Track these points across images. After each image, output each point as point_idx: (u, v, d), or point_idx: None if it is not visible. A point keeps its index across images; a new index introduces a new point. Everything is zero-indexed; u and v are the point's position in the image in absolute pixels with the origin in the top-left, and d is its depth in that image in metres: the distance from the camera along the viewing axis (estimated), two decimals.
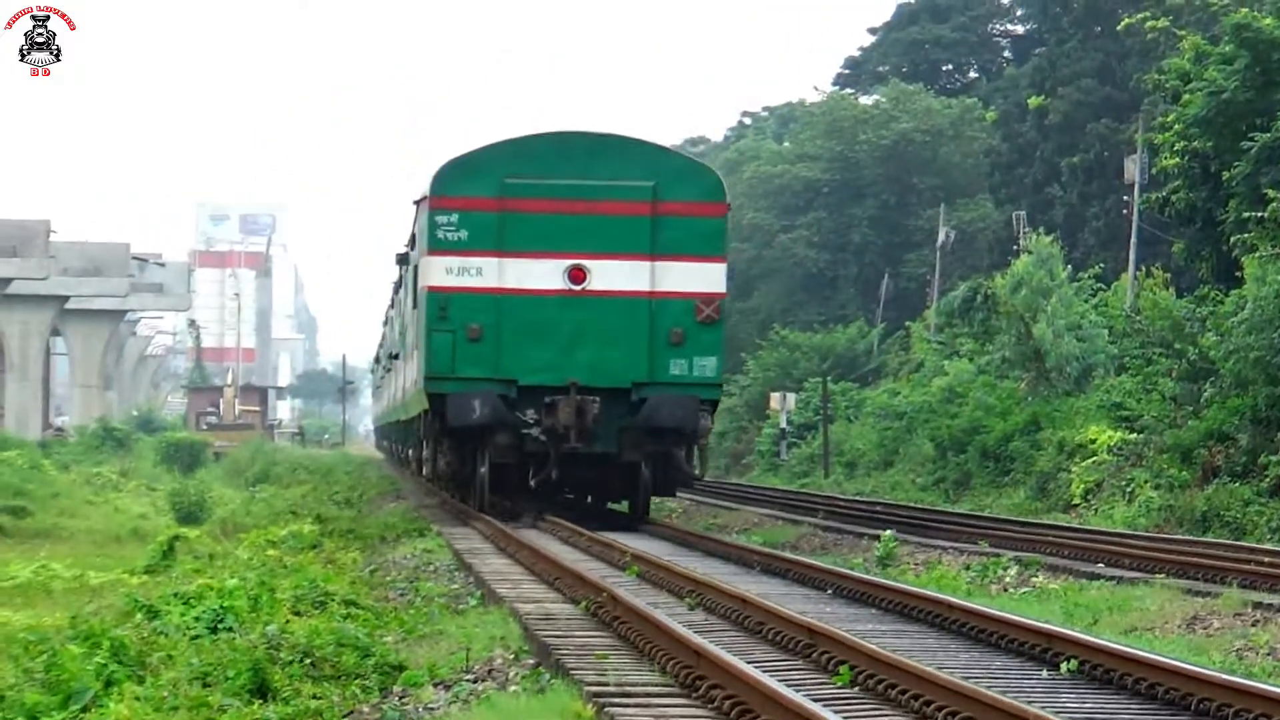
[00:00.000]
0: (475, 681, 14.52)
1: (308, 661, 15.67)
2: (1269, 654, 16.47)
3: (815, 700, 11.85)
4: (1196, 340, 37.96)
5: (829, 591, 20.46)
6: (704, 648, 13.39)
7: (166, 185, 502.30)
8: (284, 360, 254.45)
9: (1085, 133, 69.20)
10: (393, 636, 17.84)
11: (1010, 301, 52.55)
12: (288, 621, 18.28)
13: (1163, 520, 33.75)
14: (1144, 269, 52.88)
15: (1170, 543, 28.01)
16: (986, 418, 48.24)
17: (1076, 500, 39.72)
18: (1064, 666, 14.20)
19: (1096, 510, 37.92)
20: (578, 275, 32.05)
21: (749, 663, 13.12)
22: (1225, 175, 41.89)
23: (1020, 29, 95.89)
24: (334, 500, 45.74)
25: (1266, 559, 24.09)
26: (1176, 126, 45.28)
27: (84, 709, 15.54)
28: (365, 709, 14.37)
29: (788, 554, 25.49)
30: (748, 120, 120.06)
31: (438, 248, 32.30)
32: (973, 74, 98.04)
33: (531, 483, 32.70)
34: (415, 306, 35.75)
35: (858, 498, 48.31)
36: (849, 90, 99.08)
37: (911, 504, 44.09)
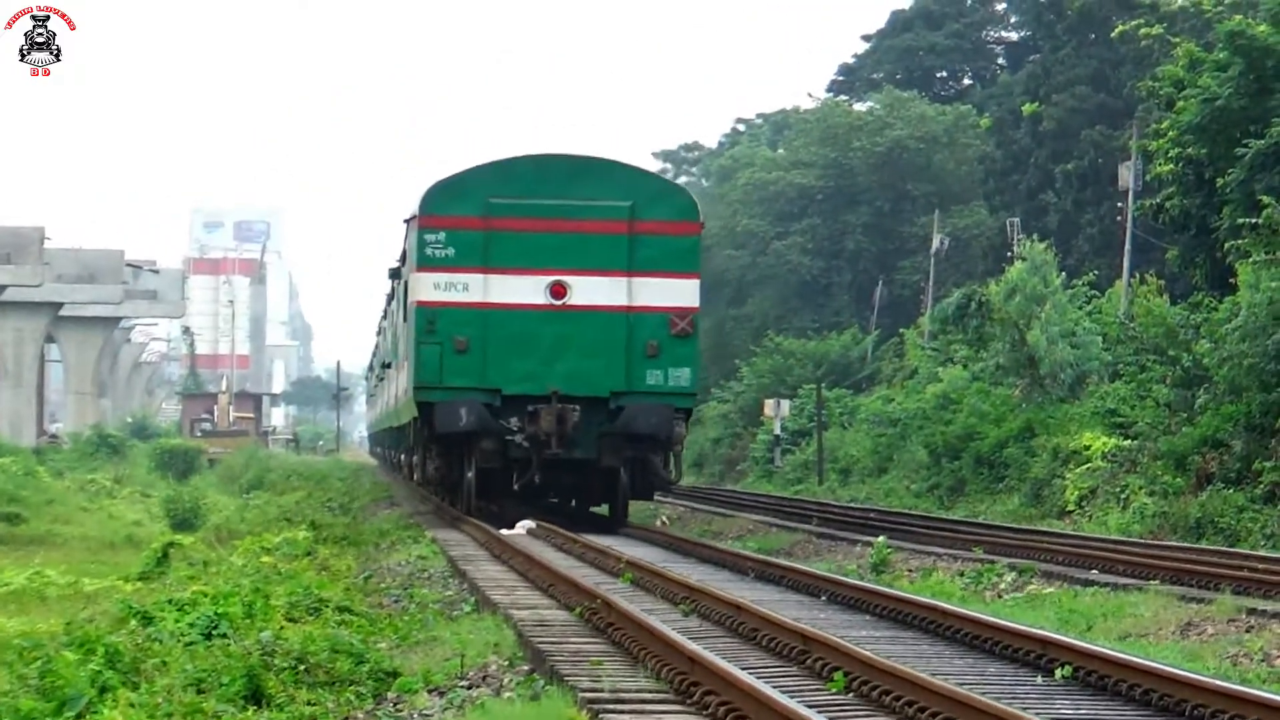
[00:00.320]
0: (469, 688, 14.53)
1: (302, 668, 15.67)
2: (1263, 660, 16.48)
3: (809, 707, 11.86)
4: (1190, 347, 37.94)
5: (823, 598, 20.48)
6: (698, 654, 13.39)
7: (164, 187, 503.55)
8: (278, 367, 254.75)
9: (1079, 139, 69.15)
10: (387, 643, 17.85)
11: (1004, 308, 52.51)
12: (282, 628, 18.27)
13: (1157, 527, 33.73)
14: (1138, 276, 52.90)
15: (1164, 549, 28.01)
16: (980, 424, 48.21)
17: (1071, 507, 39.68)
18: (1058, 673, 14.21)
19: (1091, 517, 37.89)
20: (559, 291, 33.77)
21: (743, 669, 13.13)
22: (1219, 182, 41.91)
23: (1014, 36, 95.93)
24: (328, 507, 45.75)
25: (1260, 565, 24.10)
26: (1171, 133, 45.34)
27: (78, 715, 15.50)
28: (360, 715, 14.37)
29: (782, 560, 25.52)
30: (742, 127, 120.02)
31: (426, 264, 33.99)
32: (967, 81, 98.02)
33: (515, 486, 34.33)
34: (406, 320, 37.24)
35: (852, 504, 48.26)
36: (843, 97, 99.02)
37: (906, 510, 44.03)
